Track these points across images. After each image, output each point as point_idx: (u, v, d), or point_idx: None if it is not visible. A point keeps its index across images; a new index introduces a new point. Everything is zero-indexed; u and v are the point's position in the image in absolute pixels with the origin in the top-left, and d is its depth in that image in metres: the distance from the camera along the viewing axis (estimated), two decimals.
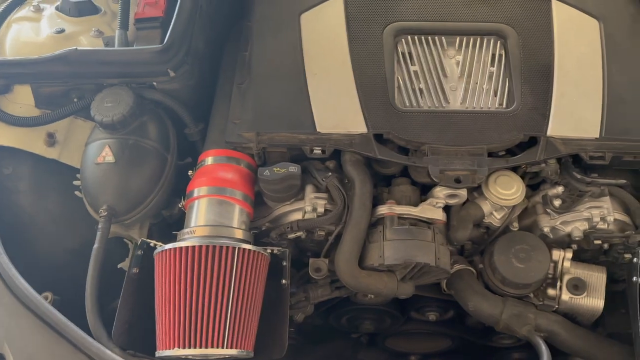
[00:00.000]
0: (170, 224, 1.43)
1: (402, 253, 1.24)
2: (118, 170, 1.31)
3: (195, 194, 1.29)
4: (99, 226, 1.28)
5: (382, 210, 1.30)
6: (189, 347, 1.12)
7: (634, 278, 1.21)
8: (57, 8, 1.55)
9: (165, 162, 1.38)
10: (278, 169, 1.29)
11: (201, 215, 1.26)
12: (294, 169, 1.29)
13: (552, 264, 1.31)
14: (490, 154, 1.31)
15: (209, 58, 1.55)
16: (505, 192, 1.30)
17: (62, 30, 1.49)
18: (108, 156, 1.32)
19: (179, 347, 1.12)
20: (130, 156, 1.33)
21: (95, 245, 1.26)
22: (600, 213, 1.30)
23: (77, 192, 1.40)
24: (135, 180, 1.33)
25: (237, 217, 1.28)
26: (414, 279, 1.29)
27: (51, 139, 1.45)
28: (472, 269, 1.38)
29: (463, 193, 1.31)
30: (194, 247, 1.16)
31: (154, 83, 1.41)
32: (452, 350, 1.82)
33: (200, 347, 1.12)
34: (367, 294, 1.40)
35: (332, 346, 1.86)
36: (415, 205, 1.32)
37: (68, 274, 1.34)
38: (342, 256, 1.27)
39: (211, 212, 1.27)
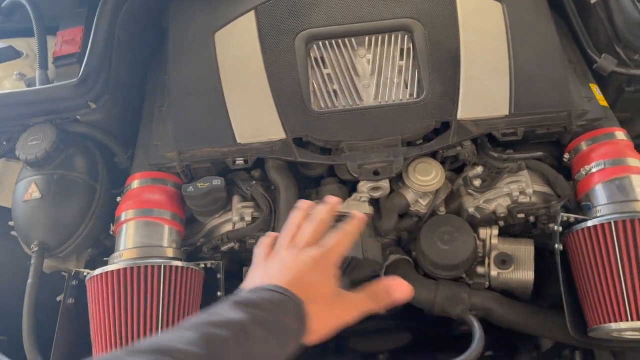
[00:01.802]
0: None
1: None
2: (45, 205, 1.34)
3: (123, 218, 1.31)
4: (32, 261, 1.30)
5: None
6: None
7: (556, 245, 1.24)
8: None
9: (94, 192, 1.40)
10: (202, 183, 1.32)
11: (129, 238, 1.28)
12: (217, 182, 1.32)
13: (480, 243, 1.34)
14: (409, 144, 1.35)
15: (135, 85, 1.59)
16: (424, 178, 1.34)
17: None
18: (34, 192, 1.34)
19: None
20: (57, 190, 1.35)
21: (29, 281, 1.28)
22: (519, 187, 1.33)
23: (13, 232, 1.42)
24: (64, 212, 1.35)
25: (166, 236, 1.31)
26: (347, 274, 1.31)
27: None
28: (408, 258, 1.40)
29: (385, 185, 1.34)
30: (119, 270, 1.18)
31: (77, 117, 1.44)
32: (416, 343, 1.83)
33: None
34: None
35: (299, 356, 1.86)
36: (342, 202, 1.35)
37: (13, 314, 1.35)
38: None
39: (138, 234, 1.29)
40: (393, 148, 1.32)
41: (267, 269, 0.80)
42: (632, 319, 1.12)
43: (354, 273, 1.32)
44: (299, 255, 0.80)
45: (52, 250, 1.34)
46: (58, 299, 1.38)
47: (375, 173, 1.31)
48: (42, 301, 1.30)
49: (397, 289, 0.82)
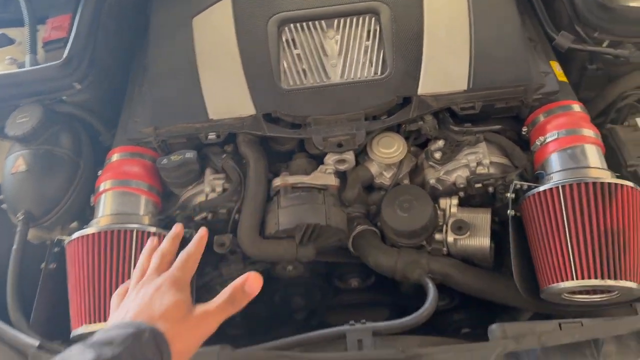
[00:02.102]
0: None
1: (293, 217, 1.34)
2: (31, 178, 1.43)
3: (102, 188, 1.39)
4: (17, 229, 1.39)
5: (277, 182, 1.40)
6: (95, 323, 1.21)
7: (509, 211, 1.29)
8: None
9: (78, 167, 1.49)
10: (175, 156, 1.40)
11: (107, 207, 1.37)
12: (190, 154, 1.40)
13: (441, 213, 1.40)
14: (374, 119, 1.42)
15: (119, 69, 1.68)
16: (387, 150, 1.40)
17: None
18: (21, 166, 1.43)
19: (86, 324, 1.21)
20: (42, 164, 1.44)
21: (14, 247, 1.36)
22: (476, 158, 1.39)
23: (3, 206, 1.51)
24: (48, 185, 1.44)
25: (142, 206, 1.39)
26: (312, 241, 1.38)
27: None
28: (374, 229, 1.46)
29: (350, 157, 1.41)
30: (94, 234, 1.26)
31: (64, 97, 1.54)
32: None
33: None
34: (278, 263, 1.48)
35: (280, 333, 1.93)
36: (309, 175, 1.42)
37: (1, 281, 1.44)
38: (242, 229, 1.36)
39: (116, 203, 1.37)
40: (356, 122, 1.38)
41: (118, 312, 0.82)
42: (577, 278, 1.16)
43: (319, 241, 1.39)
44: (144, 288, 0.83)
45: (37, 220, 1.42)
46: (42, 266, 1.46)
47: (339, 145, 1.38)
48: (29, 273, 1.39)
49: (250, 282, 0.85)
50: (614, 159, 1.41)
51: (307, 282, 1.67)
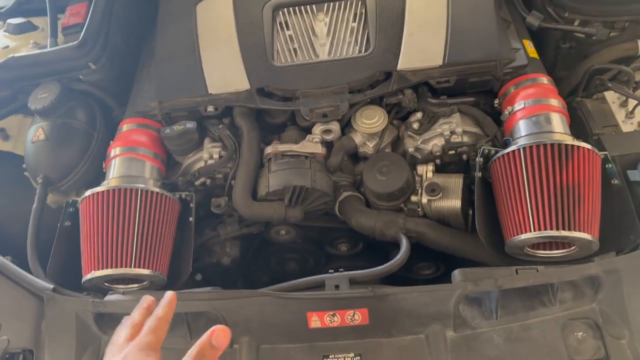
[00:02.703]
0: None
1: (282, 179, 1.47)
2: (49, 146, 1.60)
3: (112, 155, 1.55)
4: (37, 191, 1.55)
5: (268, 150, 1.55)
6: (104, 269, 1.36)
7: (476, 173, 1.41)
8: (4, 30, 1.89)
9: (92, 138, 1.65)
10: (177, 126, 1.55)
11: (116, 170, 1.52)
12: (190, 125, 1.55)
13: (418, 178, 1.52)
14: (358, 92, 1.55)
15: (131, 52, 1.85)
16: (369, 121, 1.53)
17: (7, 46, 1.82)
18: (41, 135, 1.60)
19: (94, 270, 1.37)
20: (59, 134, 1.61)
21: (34, 206, 1.53)
22: (450, 127, 1.51)
23: (25, 173, 1.68)
24: (64, 152, 1.60)
25: (147, 170, 1.54)
26: (300, 203, 1.52)
27: (3, 134, 1.75)
28: (358, 194, 1.59)
29: (335, 127, 1.55)
30: (104, 191, 1.42)
31: (80, 76, 1.71)
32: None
33: (113, 267, 1.36)
34: (272, 227, 1.61)
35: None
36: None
37: (23, 241, 1.61)
38: (236, 191, 1.51)
39: (124, 167, 1.53)
40: (340, 95, 1.52)
41: None
42: (534, 230, 1.27)
43: (306, 203, 1.53)
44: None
45: (54, 184, 1.59)
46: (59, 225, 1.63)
47: (324, 116, 1.51)
48: (48, 234, 1.55)
49: (217, 335, 0.82)
50: (582, 129, 1.52)
51: (301, 248, 1.80)
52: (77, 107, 1.68)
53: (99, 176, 1.66)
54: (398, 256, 1.33)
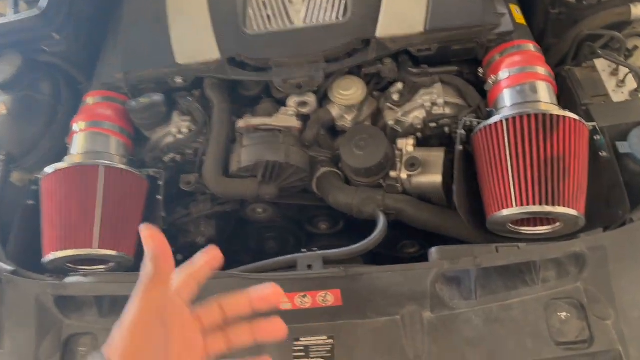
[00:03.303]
0: None
1: (254, 155, 1.40)
2: (11, 121, 1.52)
3: (75, 129, 1.47)
4: None
5: (240, 124, 1.47)
6: (65, 249, 1.30)
7: (456, 146, 1.33)
8: None
9: (56, 112, 1.57)
10: (143, 99, 1.47)
11: (79, 145, 1.45)
12: (157, 97, 1.47)
13: (399, 153, 1.44)
14: (332, 60, 1.46)
15: (99, 23, 1.76)
16: (346, 92, 1.45)
17: None
18: (2, 110, 1.52)
19: (54, 252, 1.30)
20: (21, 108, 1.53)
21: None
22: (431, 98, 1.43)
23: None
24: (27, 127, 1.53)
25: (113, 146, 1.46)
26: (274, 180, 1.44)
27: None
28: (337, 170, 1.52)
29: (311, 100, 1.46)
30: (65, 169, 1.35)
31: (44, 47, 1.62)
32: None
33: (75, 248, 1.30)
34: (247, 205, 1.54)
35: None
36: None
37: None
38: (207, 167, 1.43)
39: (88, 142, 1.45)
40: (315, 64, 1.43)
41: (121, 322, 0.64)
42: (516, 205, 1.20)
43: (279, 180, 1.45)
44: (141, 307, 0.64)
45: (18, 161, 1.52)
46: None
47: (299, 87, 1.43)
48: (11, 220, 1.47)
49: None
50: (570, 99, 1.44)
51: (280, 226, 1.73)
52: (40, 80, 1.60)
53: (65, 152, 1.59)
54: (374, 234, 1.27)
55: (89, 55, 1.69)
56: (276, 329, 0.71)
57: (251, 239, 1.79)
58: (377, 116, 1.53)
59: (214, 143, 1.44)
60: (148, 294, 0.64)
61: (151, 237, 0.67)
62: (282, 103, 1.54)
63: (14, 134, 1.52)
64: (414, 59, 1.47)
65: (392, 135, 1.48)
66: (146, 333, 0.62)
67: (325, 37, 1.46)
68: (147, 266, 0.65)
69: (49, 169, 1.36)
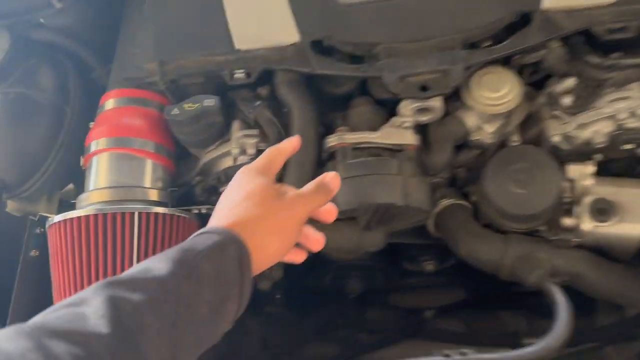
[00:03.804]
0: None
1: (357, 194, 0.93)
2: (0, 132, 1.06)
3: (94, 148, 1.02)
4: None
5: (332, 141, 0.99)
6: None
7: None
8: None
9: (63, 116, 1.11)
10: (189, 105, 1.00)
11: (101, 175, 1.00)
12: (209, 102, 0.99)
13: (569, 185, 0.97)
14: (472, 46, 0.97)
15: None
16: (494, 94, 0.96)
17: None
18: None
19: None
20: (14, 113, 1.08)
21: None
22: (628, 106, 0.94)
23: None
24: (24, 142, 1.07)
25: (149, 174, 1.01)
26: (382, 224, 0.99)
27: None
28: (465, 203, 1.06)
29: (436, 105, 0.98)
30: (81, 217, 0.90)
31: (41, 20, 1.13)
32: (471, 300, 1.52)
33: None
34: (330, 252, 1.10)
35: (330, 311, 1.60)
36: (377, 129, 1.00)
37: None
38: None
39: (113, 170, 1.00)
40: (449, 52, 0.94)
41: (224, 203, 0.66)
42: None
43: (393, 223, 1.00)
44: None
45: (12, 190, 1.07)
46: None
47: (424, 88, 0.95)
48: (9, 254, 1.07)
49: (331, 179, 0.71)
50: None
51: (367, 264, 1.30)
52: (38, 69, 1.13)
53: (78, 168, 1.14)
54: (556, 330, 0.82)
55: (103, 31, 1.20)
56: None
57: (327, 275, 1.36)
58: (527, 123, 1.05)
59: (296, 172, 0.97)
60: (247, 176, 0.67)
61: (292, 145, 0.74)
62: (383, 104, 1.06)
63: (6, 152, 1.07)
64: (594, 44, 0.96)
65: (554, 156, 1.00)
66: (254, 205, 0.62)
67: (462, 9, 0.96)
68: (260, 160, 0.71)
69: (58, 218, 0.92)
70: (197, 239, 0.57)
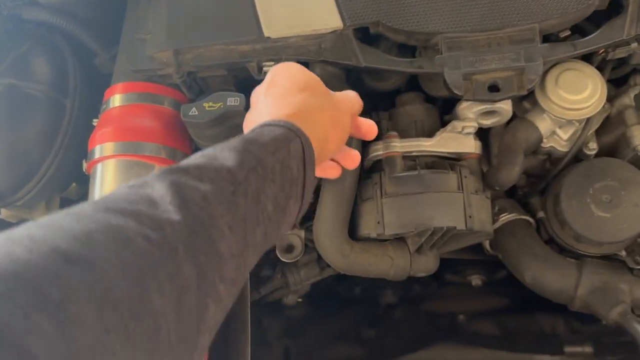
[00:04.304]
0: None
1: (409, 216, 0.79)
2: None
3: (98, 154, 0.87)
4: None
5: (378, 149, 0.84)
6: None
7: None
8: None
9: (63, 111, 0.96)
10: (210, 103, 0.84)
11: (107, 188, 0.85)
12: (234, 101, 0.84)
13: None
14: (545, 38, 0.81)
15: None
16: (575, 97, 0.81)
17: None
18: None
19: None
20: (3, 109, 0.92)
21: None
22: None
23: None
24: (16, 142, 0.92)
25: None
26: (437, 248, 0.85)
27: None
28: (529, 218, 0.91)
29: (506, 107, 0.83)
30: None
31: None
32: (510, 307, 1.39)
33: None
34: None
35: (356, 312, 1.49)
36: (431, 134, 0.85)
37: None
38: (322, 226, 0.84)
39: (121, 182, 0.85)
40: (525, 45, 0.78)
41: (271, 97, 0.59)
42: None
43: (448, 246, 0.86)
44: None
45: (5, 198, 0.93)
46: None
47: (493, 88, 0.79)
48: None
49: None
50: None
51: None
52: (32, 56, 0.96)
53: (79, 170, 0.99)
54: None
55: (106, 10, 1.03)
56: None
57: (357, 286, 1.23)
58: (607, 131, 0.89)
59: (335, 187, 0.83)
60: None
61: None
62: (434, 101, 0.91)
63: None
64: None
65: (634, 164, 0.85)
66: (313, 96, 0.58)
67: None
68: None
69: None
70: (260, 131, 0.51)
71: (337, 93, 0.63)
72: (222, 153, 0.46)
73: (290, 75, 0.60)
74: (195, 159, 0.44)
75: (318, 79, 0.61)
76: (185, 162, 0.43)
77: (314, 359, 1.51)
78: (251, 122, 0.59)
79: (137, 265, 0.32)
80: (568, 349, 1.34)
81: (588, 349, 1.30)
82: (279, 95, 0.58)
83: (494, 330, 1.46)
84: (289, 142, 0.50)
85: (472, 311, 1.42)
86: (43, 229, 0.31)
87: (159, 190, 0.38)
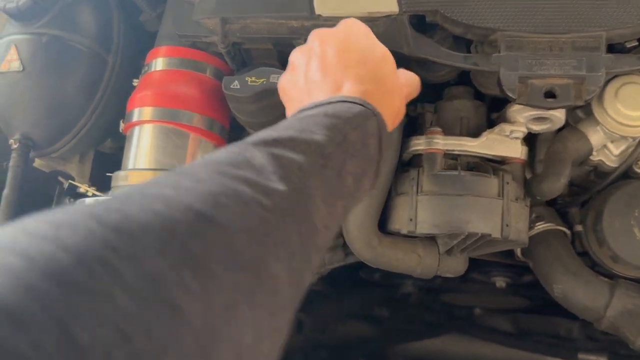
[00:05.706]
0: None
1: (444, 217, 0.77)
2: (29, 82, 0.90)
3: (136, 117, 0.86)
4: (10, 164, 0.90)
5: (419, 143, 0.82)
6: None
7: None
8: None
9: (105, 67, 0.95)
10: (253, 78, 0.82)
11: (142, 152, 0.85)
12: (277, 78, 0.81)
13: None
14: (610, 47, 0.76)
15: None
16: (633, 112, 0.76)
17: None
18: (13, 61, 0.90)
19: None
20: (47, 60, 0.91)
21: (5, 192, 0.89)
22: None
23: None
24: (56, 94, 0.92)
25: (197, 155, 0.86)
26: (467, 251, 0.83)
27: None
28: (565, 230, 0.89)
29: (559, 115, 0.79)
30: None
31: None
32: (529, 308, 1.38)
33: None
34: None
35: (372, 294, 1.49)
36: (477, 134, 0.82)
37: None
38: (352, 215, 0.83)
39: (157, 148, 0.84)
40: (589, 53, 0.74)
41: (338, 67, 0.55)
42: None
43: (479, 250, 0.84)
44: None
45: (40, 149, 0.94)
46: None
47: (549, 95, 0.75)
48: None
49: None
50: None
51: None
52: (77, 9, 0.95)
53: (115, 127, 0.98)
54: None
55: None
56: None
57: (377, 272, 1.22)
58: None
59: None
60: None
61: None
62: (483, 98, 0.87)
63: (36, 106, 0.91)
64: None
65: None
66: (392, 73, 0.58)
67: (617, 0, 0.74)
68: None
69: (91, 202, 0.79)
70: (339, 107, 0.50)
71: (401, 72, 0.61)
72: (310, 127, 0.45)
73: (365, 35, 0.59)
74: (283, 130, 0.44)
75: (387, 50, 0.59)
76: (272, 133, 0.43)
77: (327, 333, 1.53)
78: (302, 86, 0.56)
79: (258, 230, 0.33)
80: (582, 356, 1.33)
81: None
82: (349, 65, 0.55)
83: (509, 328, 1.46)
84: (367, 121, 0.50)
85: (490, 307, 1.41)
86: (169, 187, 0.31)
87: (260, 159, 0.38)
